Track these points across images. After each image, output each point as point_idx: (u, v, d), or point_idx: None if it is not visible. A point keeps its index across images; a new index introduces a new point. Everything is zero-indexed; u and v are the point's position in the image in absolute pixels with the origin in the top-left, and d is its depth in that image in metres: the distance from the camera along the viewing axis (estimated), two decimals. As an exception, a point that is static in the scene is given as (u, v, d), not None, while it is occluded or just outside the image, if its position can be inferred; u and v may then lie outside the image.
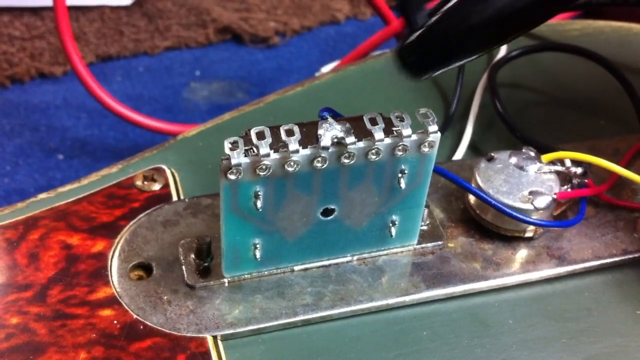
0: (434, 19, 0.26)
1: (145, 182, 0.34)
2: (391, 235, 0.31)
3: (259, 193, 0.27)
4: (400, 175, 0.29)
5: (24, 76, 0.57)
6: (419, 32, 0.26)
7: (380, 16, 0.51)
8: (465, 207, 0.33)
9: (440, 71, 0.27)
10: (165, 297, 0.29)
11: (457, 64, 0.27)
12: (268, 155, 0.26)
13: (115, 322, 0.28)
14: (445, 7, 0.26)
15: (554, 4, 0.27)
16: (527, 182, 0.32)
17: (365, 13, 0.64)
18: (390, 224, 0.30)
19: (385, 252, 0.31)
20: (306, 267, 0.31)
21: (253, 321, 0.29)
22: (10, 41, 0.59)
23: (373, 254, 0.31)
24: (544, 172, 0.32)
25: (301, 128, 0.27)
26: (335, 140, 0.27)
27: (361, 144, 0.27)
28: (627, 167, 0.34)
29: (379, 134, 0.27)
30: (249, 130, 0.26)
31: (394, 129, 0.27)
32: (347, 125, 0.27)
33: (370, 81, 0.41)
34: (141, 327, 0.28)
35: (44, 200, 0.33)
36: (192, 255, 0.30)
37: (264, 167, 0.26)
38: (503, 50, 0.42)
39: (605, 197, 0.34)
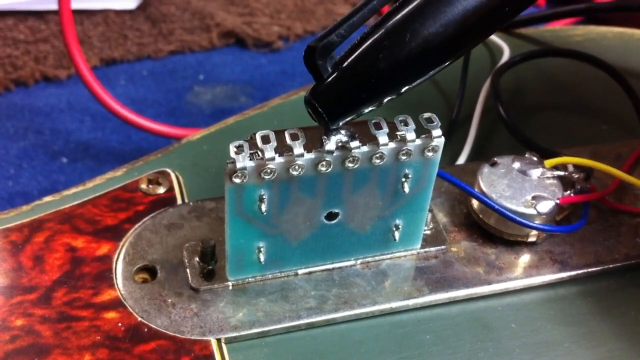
0: (345, 64, 0.26)
1: (150, 186, 0.34)
2: (394, 239, 0.31)
3: (264, 196, 0.27)
4: (404, 179, 0.29)
5: (28, 79, 0.57)
6: (331, 79, 0.26)
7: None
8: (468, 212, 0.33)
9: (352, 116, 0.26)
10: (170, 300, 0.29)
11: (369, 107, 0.26)
12: (273, 159, 0.26)
13: (119, 324, 0.29)
14: (356, 54, 0.26)
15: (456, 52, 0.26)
16: (530, 187, 0.32)
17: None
18: (394, 228, 0.31)
19: (388, 256, 0.32)
20: (310, 270, 0.31)
21: (257, 324, 0.29)
22: (15, 44, 0.59)
23: (376, 258, 0.31)
24: (547, 177, 0.32)
25: (306, 132, 0.27)
26: (340, 144, 0.27)
27: (365, 148, 0.27)
28: (629, 172, 0.34)
29: (383, 139, 0.27)
30: (254, 134, 0.26)
31: (398, 133, 0.27)
32: (352, 129, 0.27)
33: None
34: (145, 329, 0.28)
35: (49, 203, 0.33)
36: (197, 258, 0.30)
37: (268, 170, 0.26)
38: (506, 56, 0.42)
39: (608, 202, 0.34)
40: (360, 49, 0.26)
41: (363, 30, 0.27)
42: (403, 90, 0.27)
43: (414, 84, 0.27)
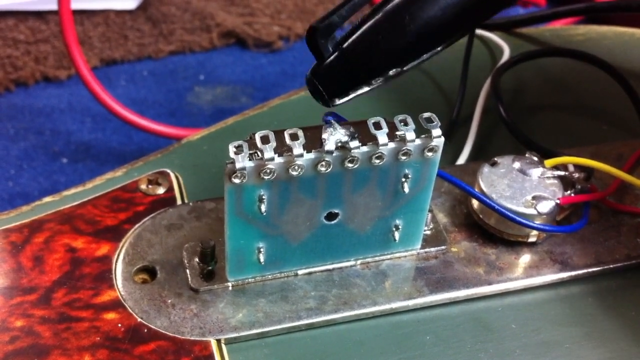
0: (346, 45, 0.27)
1: (150, 186, 0.34)
2: (395, 240, 0.31)
3: (263, 197, 0.27)
4: (403, 179, 0.29)
5: (28, 80, 0.57)
6: (331, 58, 0.27)
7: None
8: (468, 212, 0.33)
9: (350, 96, 0.27)
10: (170, 301, 0.29)
11: (367, 87, 0.27)
12: (272, 159, 0.26)
13: (119, 325, 0.29)
14: (356, 35, 0.27)
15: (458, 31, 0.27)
16: (530, 187, 0.32)
17: (368, 18, 0.64)
18: (394, 228, 0.30)
19: (388, 256, 0.31)
20: (310, 271, 0.31)
21: (257, 325, 0.29)
22: (15, 45, 0.59)
23: (376, 258, 0.31)
24: (547, 177, 0.32)
25: (305, 132, 0.27)
26: (339, 144, 0.27)
27: (365, 149, 0.27)
28: (630, 172, 0.34)
29: (382, 139, 0.27)
30: (254, 134, 0.26)
31: (397, 133, 0.27)
32: (351, 129, 0.27)
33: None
34: (145, 330, 0.28)
35: (49, 203, 0.33)
36: (196, 259, 0.30)
37: (268, 171, 0.26)
38: (506, 55, 0.42)
39: (609, 202, 0.34)
40: (361, 30, 0.27)
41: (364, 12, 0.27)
42: (402, 69, 0.27)
43: (411, 65, 0.27)
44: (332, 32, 0.27)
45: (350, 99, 0.28)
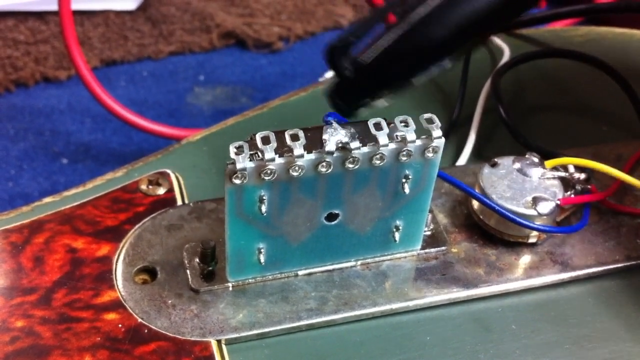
0: (362, 62, 0.29)
1: (150, 186, 0.34)
2: (395, 240, 0.31)
3: (264, 197, 0.27)
4: (404, 180, 0.29)
5: (28, 80, 0.57)
6: (349, 75, 0.29)
7: (384, 22, 0.51)
8: (468, 213, 0.33)
9: (368, 107, 0.30)
10: (170, 301, 0.29)
11: (384, 101, 0.30)
12: (273, 159, 0.26)
13: (119, 325, 0.29)
14: (372, 53, 0.29)
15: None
16: (530, 188, 0.32)
17: (368, 18, 0.64)
18: (394, 229, 0.30)
19: (388, 257, 0.31)
20: (310, 271, 0.31)
21: (257, 325, 0.29)
22: (15, 45, 0.59)
23: (377, 259, 0.31)
24: (548, 178, 0.32)
25: (306, 133, 0.27)
26: (340, 145, 0.27)
27: (365, 149, 0.27)
28: (630, 172, 0.34)
29: (383, 139, 0.27)
30: (254, 134, 0.26)
31: (398, 134, 0.27)
32: (352, 130, 0.27)
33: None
34: (145, 330, 0.28)
35: (49, 204, 0.33)
36: (197, 260, 0.30)
37: (268, 171, 0.26)
38: (506, 56, 0.42)
39: (609, 203, 0.34)
40: (376, 49, 0.29)
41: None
42: (415, 84, 0.30)
43: (424, 78, 0.30)
44: (348, 49, 0.29)
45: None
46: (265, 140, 0.26)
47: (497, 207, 0.31)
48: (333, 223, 0.29)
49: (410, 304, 0.30)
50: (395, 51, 0.29)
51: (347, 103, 0.30)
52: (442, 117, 0.28)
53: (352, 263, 0.31)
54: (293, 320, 0.29)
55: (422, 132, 0.28)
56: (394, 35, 0.28)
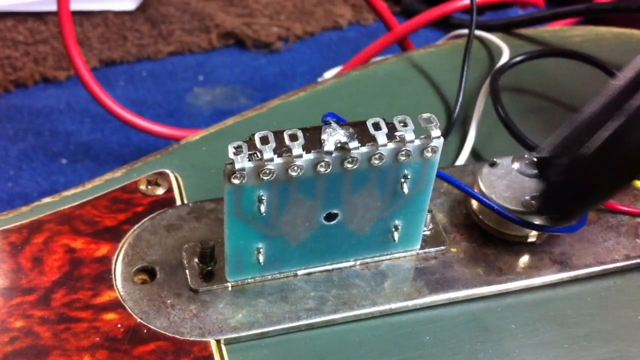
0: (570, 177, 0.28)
1: (149, 187, 0.34)
2: (394, 240, 0.31)
3: (263, 197, 0.27)
4: (403, 180, 0.29)
5: (27, 81, 0.57)
6: (558, 188, 0.29)
7: (383, 22, 0.51)
8: (468, 212, 0.33)
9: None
10: (169, 301, 0.29)
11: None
12: (272, 159, 0.26)
13: (119, 325, 0.29)
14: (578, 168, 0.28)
15: None
16: (529, 188, 0.32)
17: (367, 19, 0.64)
18: (393, 229, 0.30)
19: (388, 256, 0.31)
20: (309, 271, 0.31)
21: (256, 325, 0.29)
22: (14, 46, 0.59)
23: (376, 259, 0.31)
24: (547, 178, 0.32)
25: (305, 133, 0.27)
26: (339, 145, 0.27)
27: (364, 149, 0.27)
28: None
29: (382, 139, 0.27)
30: (253, 134, 0.26)
31: (397, 134, 0.27)
32: (351, 130, 0.27)
33: (372, 86, 0.42)
34: (145, 330, 0.28)
35: (48, 204, 0.33)
36: (196, 260, 0.30)
37: (267, 171, 0.26)
38: (505, 56, 0.42)
39: (608, 202, 0.34)
40: (586, 159, 0.27)
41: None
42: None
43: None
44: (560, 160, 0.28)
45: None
46: (264, 140, 0.26)
47: (496, 207, 0.31)
48: (332, 223, 0.29)
49: (410, 303, 0.30)
50: (598, 165, 0.27)
51: (562, 211, 0.29)
52: (440, 117, 0.28)
53: (352, 263, 0.31)
54: (292, 320, 0.29)
55: (421, 131, 0.28)
56: (598, 148, 0.27)
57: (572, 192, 0.28)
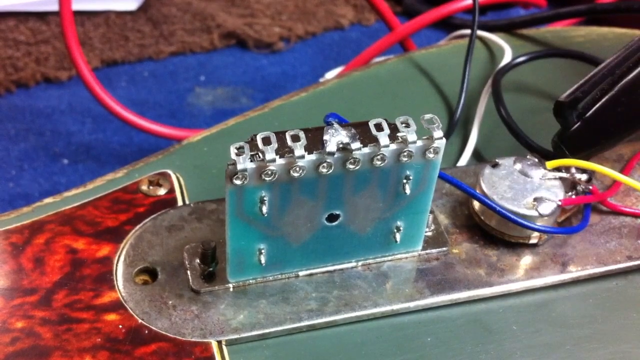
0: (588, 115, 0.32)
1: (151, 187, 0.34)
2: (396, 241, 0.31)
3: (265, 198, 0.27)
4: (405, 181, 0.29)
5: (29, 81, 0.57)
6: (575, 127, 0.32)
7: (385, 22, 0.51)
8: (469, 213, 0.33)
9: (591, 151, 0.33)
10: (170, 302, 0.29)
11: (605, 149, 0.34)
12: (274, 160, 0.26)
13: (120, 326, 0.29)
14: (597, 106, 0.32)
15: None
16: (531, 189, 0.32)
17: (369, 19, 0.64)
18: (395, 230, 0.30)
19: (389, 257, 0.31)
20: (311, 272, 0.31)
21: (258, 326, 0.29)
22: (16, 46, 0.59)
23: (377, 260, 0.31)
24: (549, 179, 0.32)
25: (307, 133, 0.27)
26: (341, 145, 0.27)
27: (366, 150, 0.27)
28: (630, 173, 0.34)
29: (384, 140, 0.27)
30: (255, 135, 0.26)
31: (399, 134, 0.27)
32: (353, 130, 0.27)
33: (374, 87, 0.42)
34: (146, 331, 0.28)
35: (50, 204, 0.33)
36: (197, 260, 0.30)
37: (269, 172, 0.26)
38: (507, 57, 0.42)
39: (610, 203, 0.34)
40: (601, 103, 0.32)
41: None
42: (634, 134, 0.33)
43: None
44: (576, 105, 0.32)
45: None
46: (266, 141, 0.26)
47: (498, 208, 0.31)
48: (334, 224, 0.29)
49: (411, 304, 0.30)
50: (612, 109, 0.32)
51: (570, 150, 0.33)
52: (442, 118, 0.28)
53: (353, 264, 0.31)
54: (294, 321, 0.29)
55: (423, 132, 0.28)
56: (612, 93, 0.32)
57: (587, 133, 0.32)
